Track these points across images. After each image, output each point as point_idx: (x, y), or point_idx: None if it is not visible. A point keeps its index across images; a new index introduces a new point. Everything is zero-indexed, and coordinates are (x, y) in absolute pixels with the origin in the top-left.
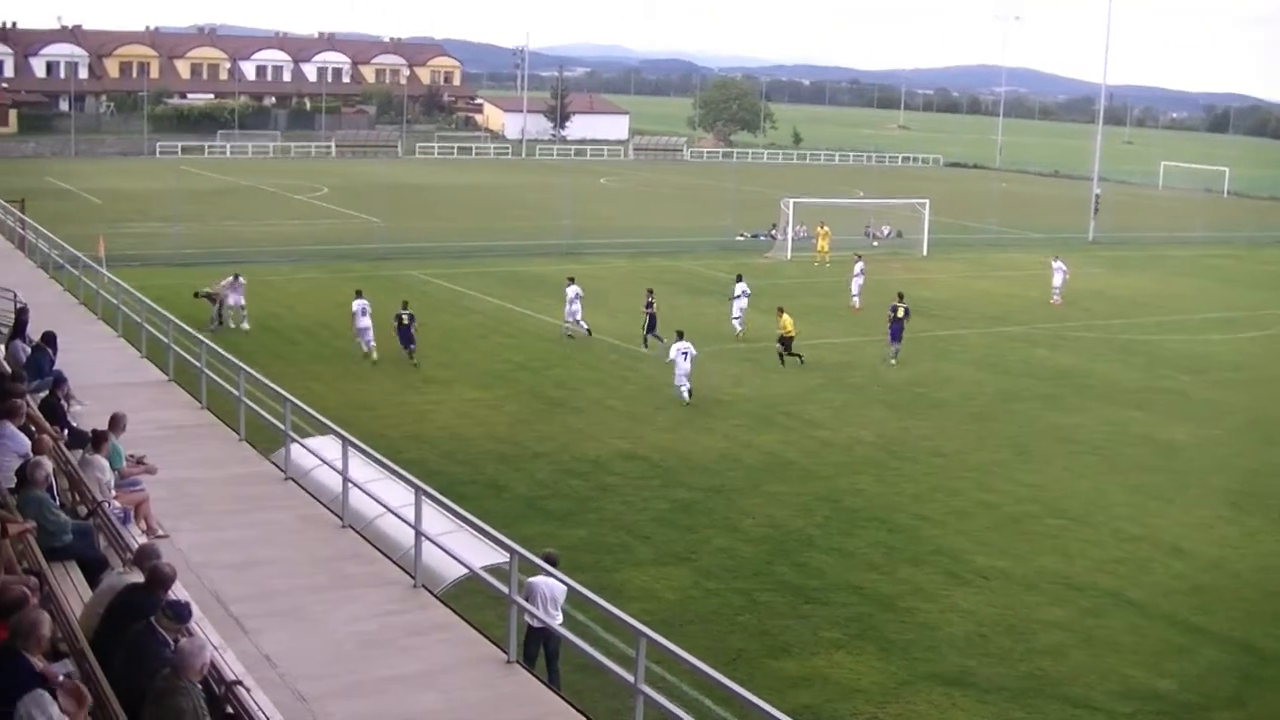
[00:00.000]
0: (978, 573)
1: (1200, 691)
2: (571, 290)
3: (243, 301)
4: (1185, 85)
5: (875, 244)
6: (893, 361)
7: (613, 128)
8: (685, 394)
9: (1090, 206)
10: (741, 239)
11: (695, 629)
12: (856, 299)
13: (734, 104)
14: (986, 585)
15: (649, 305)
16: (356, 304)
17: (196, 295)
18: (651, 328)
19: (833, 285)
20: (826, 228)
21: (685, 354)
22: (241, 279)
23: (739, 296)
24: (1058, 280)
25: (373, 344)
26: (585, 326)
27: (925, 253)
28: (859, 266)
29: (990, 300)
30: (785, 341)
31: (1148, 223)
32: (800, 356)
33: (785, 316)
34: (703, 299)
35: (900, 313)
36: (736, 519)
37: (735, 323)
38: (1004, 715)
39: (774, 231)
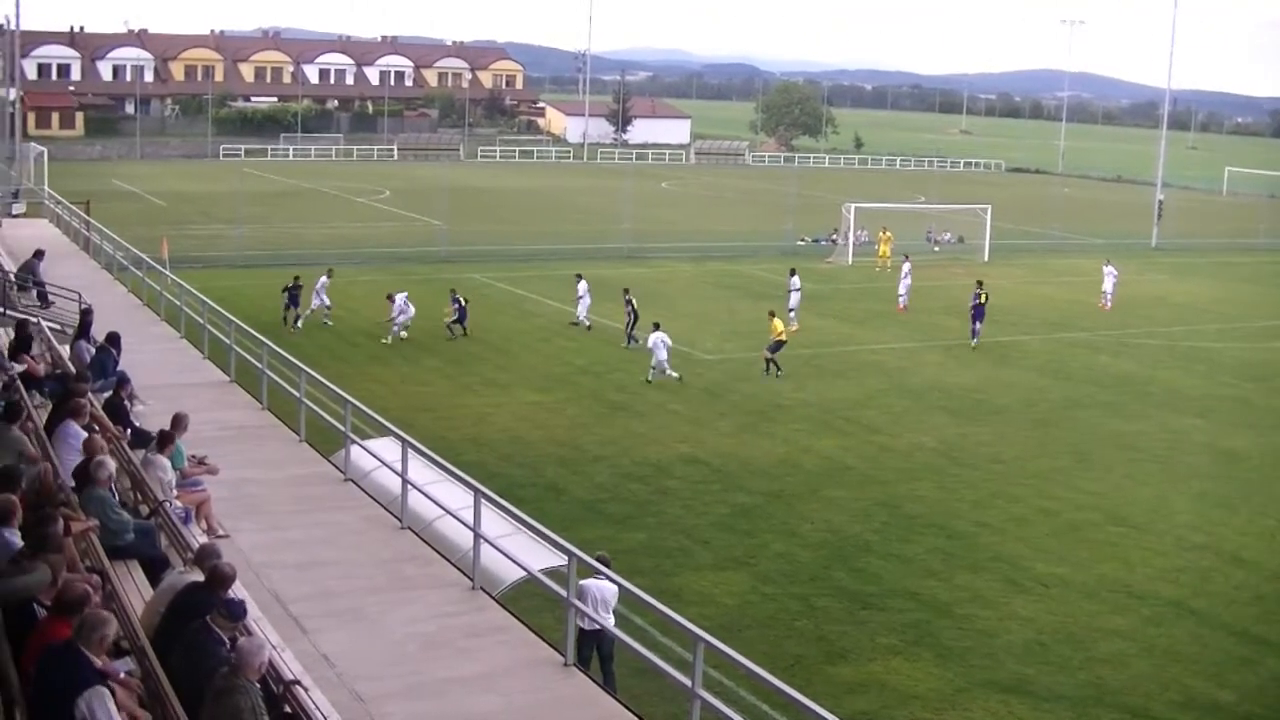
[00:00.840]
0: (1037, 580)
1: (1262, 703)
2: (581, 286)
3: (327, 301)
4: (1251, 90)
5: (936, 249)
6: (974, 342)
7: (674, 132)
8: (657, 374)
9: (1154, 212)
10: (802, 244)
11: (753, 634)
12: (903, 298)
13: (796, 108)
14: (1046, 593)
15: (629, 304)
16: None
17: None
18: (633, 326)
19: (893, 290)
20: (889, 233)
21: (662, 343)
22: (323, 278)
23: (793, 291)
24: (1108, 285)
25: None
26: (588, 322)
27: (987, 258)
28: (906, 268)
29: (1051, 306)
30: (776, 347)
31: (1211, 229)
32: (779, 366)
33: (775, 321)
34: (763, 303)
35: (983, 298)
36: (795, 524)
37: (790, 315)
38: None
39: (835, 236)
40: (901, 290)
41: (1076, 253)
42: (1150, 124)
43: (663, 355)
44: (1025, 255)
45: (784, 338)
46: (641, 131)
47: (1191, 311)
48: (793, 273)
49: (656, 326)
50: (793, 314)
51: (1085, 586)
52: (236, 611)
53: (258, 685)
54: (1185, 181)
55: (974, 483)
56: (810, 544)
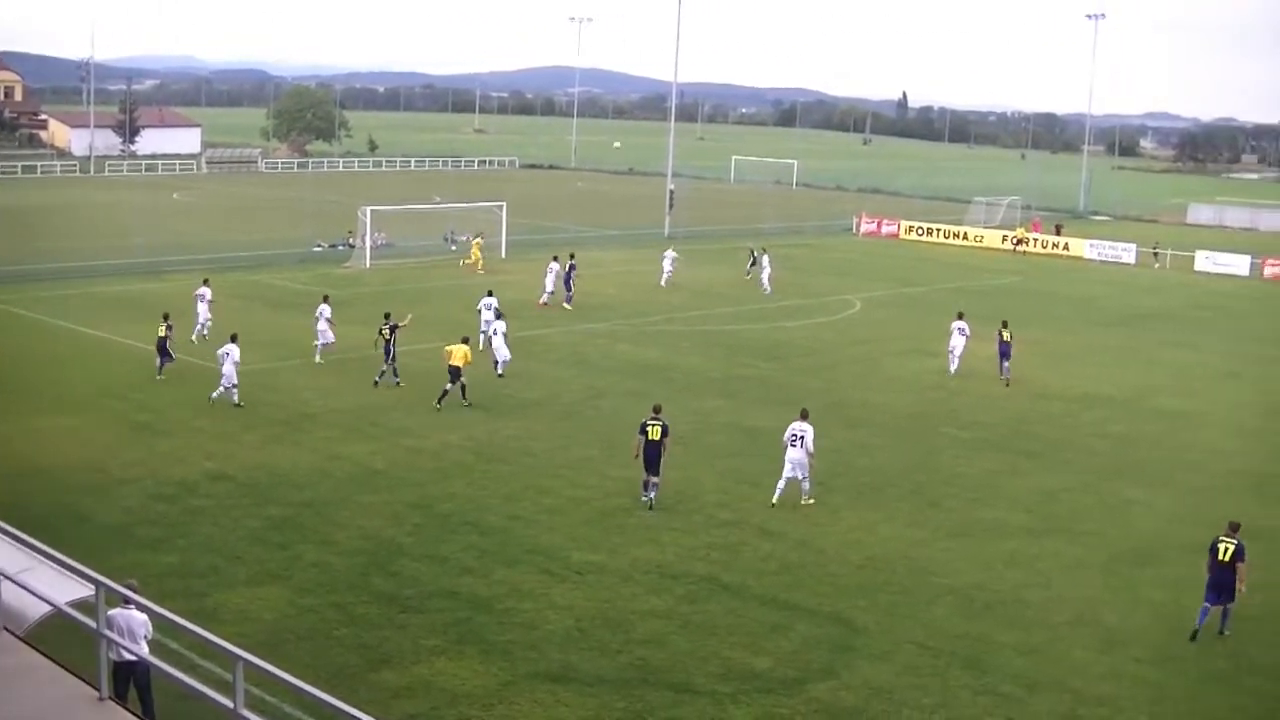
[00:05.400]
0: (573, 568)
1: (796, 666)
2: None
3: None
4: (754, 81)
5: (454, 248)
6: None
7: (185, 141)
8: (226, 393)
9: (665, 202)
10: (319, 249)
11: (294, 648)
12: (547, 296)
13: (308, 113)
14: (583, 580)
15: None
16: None
17: None
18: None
19: (414, 294)
20: (480, 239)
21: (228, 355)
22: None
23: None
24: (668, 267)
25: None
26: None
27: (504, 255)
28: (551, 263)
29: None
30: (454, 371)
31: (722, 216)
32: (453, 391)
33: (457, 347)
34: (284, 312)
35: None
36: (329, 533)
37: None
38: (608, 707)
39: (351, 240)
40: (549, 286)
41: (593, 245)
42: (659, 116)
43: (229, 370)
44: (542, 250)
45: (460, 365)
46: (151, 142)
47: (707, 297)
48: (490, 292)
49: (233, 339)
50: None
51: (621, 571)
52: None
53: None
54: (695, 171)
55: (505, 477)
56: (345, 552)
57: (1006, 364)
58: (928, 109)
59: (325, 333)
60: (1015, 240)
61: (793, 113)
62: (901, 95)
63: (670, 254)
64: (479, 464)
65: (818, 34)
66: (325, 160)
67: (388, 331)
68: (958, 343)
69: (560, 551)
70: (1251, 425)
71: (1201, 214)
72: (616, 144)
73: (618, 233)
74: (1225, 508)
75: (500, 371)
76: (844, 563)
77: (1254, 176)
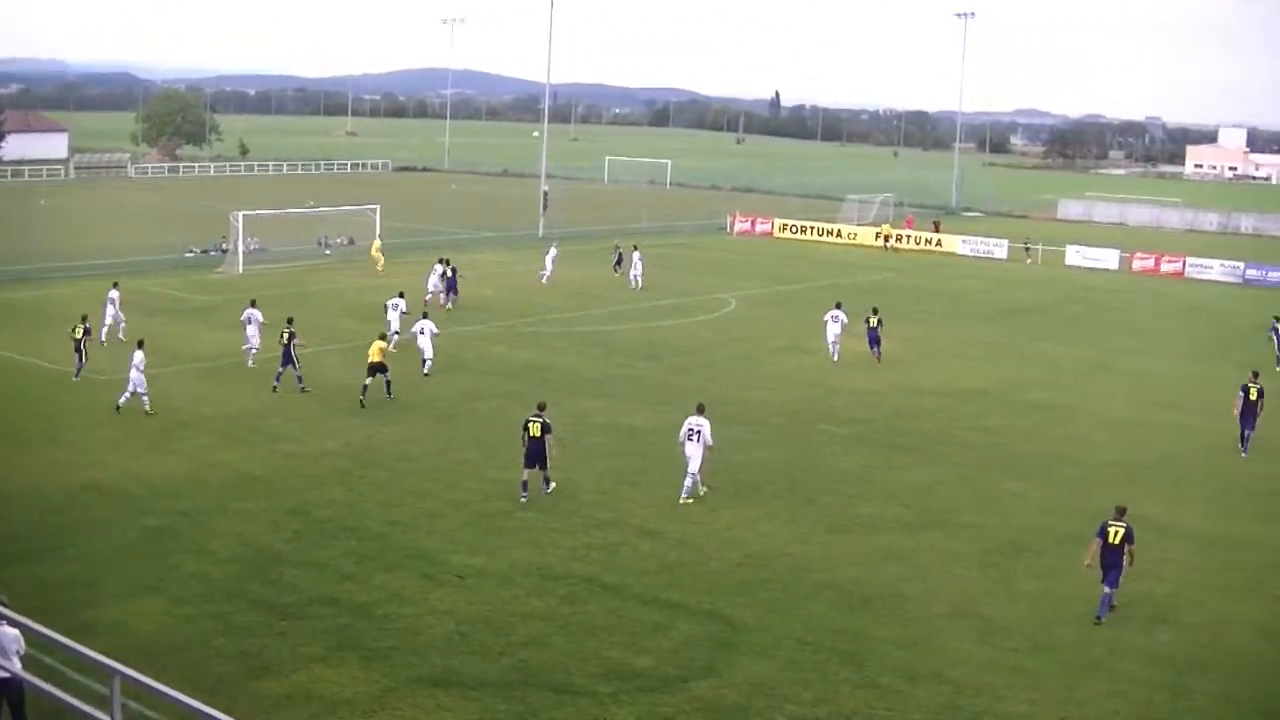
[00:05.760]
0: (453, 572)
1: (677, 665)
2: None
3: None
4: (628, 81)
5: (328, 252)
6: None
7: (52, 146)
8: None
9: (540, 203)
10: (192, 254)
11: (171, 659)
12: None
13: (178, 116)
14: (463, 584)
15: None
16: None
17: None
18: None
19: (288, 299)
20: (380, 240)
21: (138, 366)
22: None
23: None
24: (549, 265)
25: None
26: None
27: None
28: (435, 264)
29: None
30: (375, 369)
31: (596, 216)
32: (373, 385)
33: (375, 344)
34: (159, 318)
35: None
36: (206, 541)
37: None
38: (491, 710)
39: (224, 245)
40: (430, 287)
41: (469, 247)
42: (533, 117)
43: (137, 377)
44: (417, 253)
45: (382, 360)
46: (16, 147)
47: (583, 298)
48: (401, 295)
49: (140, 345)
50: (395, 336)
51: (501, 573)
52: None
53: None
54: (569, 172)
55: (383, 482)
56: (223, 560)
57: (877, 349)
58: (800, 108)
59: (253, 337)
60: (884, 237)
61: (666, 112)
62: (774, 94)
63: (553, 251)
64: (357, 469)
65: (691, 34)
66: (196, 165)
67: (286, 336)
68: (833, 330)
69: (440, 555)
70: (1122, 417)
71: (1071, 209)
72: (535, 133)
73: (493, 234)
74: (1098, 499)
75: (427, 371)
76: (723, 560)
77: (1121, 172)
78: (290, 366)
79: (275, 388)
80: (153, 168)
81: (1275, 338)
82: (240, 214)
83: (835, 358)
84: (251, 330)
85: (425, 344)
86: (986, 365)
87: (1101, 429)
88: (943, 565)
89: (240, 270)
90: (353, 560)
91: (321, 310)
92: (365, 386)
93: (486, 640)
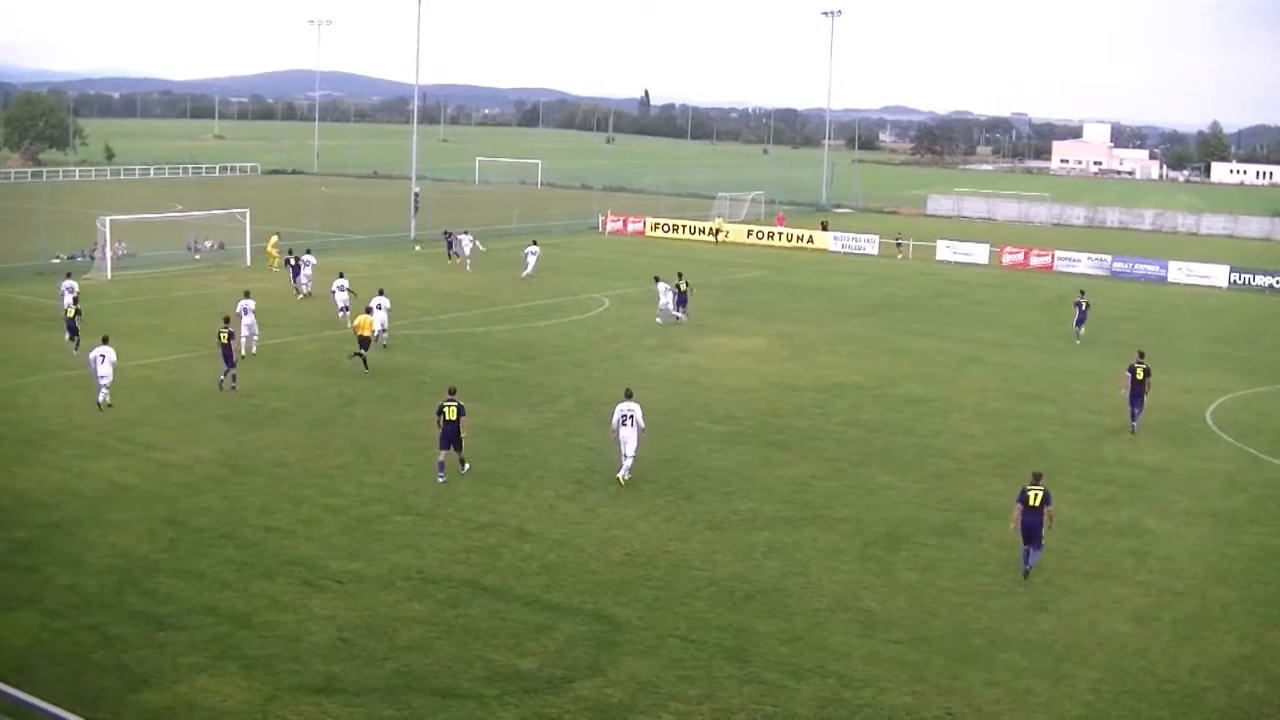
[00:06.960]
0: (332, 578)
1: (561, 665)
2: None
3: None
4: (497, 82)
5: (198, 257)
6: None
7: None
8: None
9: (410, 205)
10: (58, 261)
11: (48, 673)
12: (306, 286)
13: (40, 120)
14: (342, 589)
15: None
16: None
17: None
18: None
19: (159, 304)
20: (276, 236)
21: (104, 357)
22: None
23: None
24: (531, 261)
25: None
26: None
27: (249, 262)
28: (305, 260)
29: (315, 304)
30: (365, 341)
31: (468, 218)
32: (364, 359)
33: (363, 317)
34: (24, 327)
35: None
36: (79, 553)
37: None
38: (375, 716)
39: (94, 251)
40: (304, 282)
41: (339, 250)
42: (402, 119)
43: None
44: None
45: (368, 334)
46: None
47: (456, 299)
48: (341, 274)
49: (105, 340)
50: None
51: (381, 578)
52: None
53: None
54: (440, 173)
55: (259, 489)
56: (98, 571)
57: (684, 309)
58: (670, 106)
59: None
60: (714, 231)
61: (535, 113)
62: (643, 94)
63: (534, 249)
64: (232, 476)
65: (559, 34)
66: (60, 169)
67: (225, 336)
68: (667, 299)
69: (318, 561)
70: (993, 409)
71: (941, 205)
72: (443, 139)
73: (364, 237)
74: (973, 490)
75: (385, 342)
76: (604, 560)
77: (989, 168)
78: (230, 366)
79: (224, 384)
80: (15, 173)
81: (1077, 311)
82: (107, 219)
83: (679, 319)
84: (249, 320)
85: (381, 317)
86: (859, 360)
87: (974, 421)
88: (823, 559)
89: (109, 276)
90: (231, 568)
91: (188, 315)
92: (364, 358)
93: (368, 646)
